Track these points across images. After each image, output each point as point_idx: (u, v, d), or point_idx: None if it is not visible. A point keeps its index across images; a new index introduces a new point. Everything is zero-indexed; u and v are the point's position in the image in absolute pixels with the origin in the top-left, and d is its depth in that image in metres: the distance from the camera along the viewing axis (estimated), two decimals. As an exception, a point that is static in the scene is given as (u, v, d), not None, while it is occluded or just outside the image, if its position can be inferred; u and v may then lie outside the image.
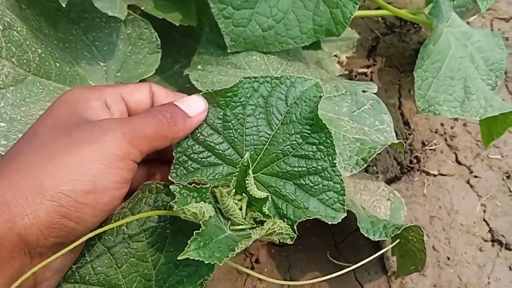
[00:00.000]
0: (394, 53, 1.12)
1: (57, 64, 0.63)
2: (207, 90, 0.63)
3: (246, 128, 0.52)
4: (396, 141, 0.67)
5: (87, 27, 0.70)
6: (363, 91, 0.72)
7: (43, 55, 0.62)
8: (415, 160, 1.02)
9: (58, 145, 0.42)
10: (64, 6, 0.59)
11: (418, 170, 1.01)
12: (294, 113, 0.51)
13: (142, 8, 0.71)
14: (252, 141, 0.52)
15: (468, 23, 1.15)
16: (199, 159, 0.51)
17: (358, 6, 0.72)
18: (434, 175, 1.01)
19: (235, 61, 0.71)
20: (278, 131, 0.52)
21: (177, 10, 0.75)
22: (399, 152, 1.03)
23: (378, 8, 1.16)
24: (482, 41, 0.90)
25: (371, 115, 0.69)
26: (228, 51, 0.72)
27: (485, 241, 0.95)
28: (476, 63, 0.88)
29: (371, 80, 1.08)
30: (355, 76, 1.08)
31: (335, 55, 1.05)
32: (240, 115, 0.52)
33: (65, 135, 0.43)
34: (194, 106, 0.51)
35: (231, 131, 0.52)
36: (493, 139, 0.90)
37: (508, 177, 1.01)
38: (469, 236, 0.95)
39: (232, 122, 0.52)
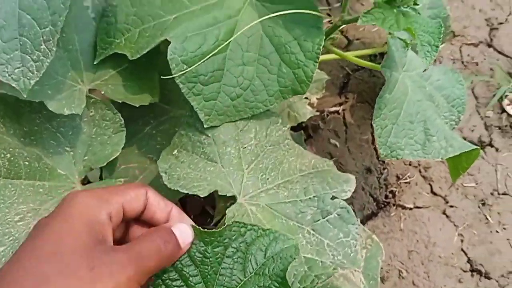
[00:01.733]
0: (365, 89, 1.14)
1: (26, 163, 0.67)
2: (176, 189, 0.67)
3: (221, 268, 0.55)
4: (356, 262, 0.68)
5: (50, 114, 0.73)
6: (333, 197, 0.72)
7: (12, 158, 0.66)
8: (390, 195, 1.05)
9: (85, 278, 0.47)
10: (25, 96, 0.61)
11: (394, 204, 1.04)
12: (268, 267, 0.54)
13: (102, 92, 0.75)
14: (224, 281, 0.55)
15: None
16: (172, 286, 0.55)
17: (318, 64, 0.75)
18: (410, 209, 1.03)
19: (209, 151, 0.74)
20: (250, 279, 0.55)
21: (139, 88, 0.78)
22: (374, 188, 1.05)
23: (345, 46, 1.19)
24: (441, 79, 0.93)
25: (336, 226, 0.70)
26: (205, 126, 0.74)
27: (464, 271, 0.97)
28: (437, 102, 0.91)
29: (344, 117, 1.11)
30: (327, 115, 1.11)
31: (306, 98, 1.08)
32: (220, 254, 0.55)
33: (87, 268, 0.47)
34: (186, 237, 0.55)
35: (207, 267, 0.55)
36: (460, 174, 0.92)
37: (483, 204, 1.03)
38: (448, 268, 0.97)
39: (211, 259, 0.55)
